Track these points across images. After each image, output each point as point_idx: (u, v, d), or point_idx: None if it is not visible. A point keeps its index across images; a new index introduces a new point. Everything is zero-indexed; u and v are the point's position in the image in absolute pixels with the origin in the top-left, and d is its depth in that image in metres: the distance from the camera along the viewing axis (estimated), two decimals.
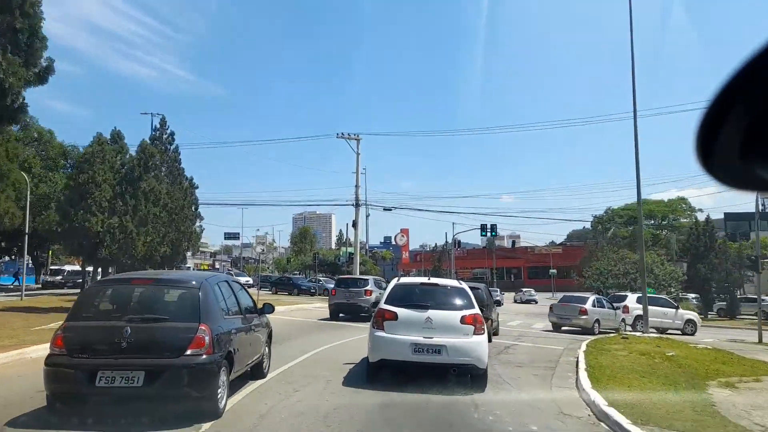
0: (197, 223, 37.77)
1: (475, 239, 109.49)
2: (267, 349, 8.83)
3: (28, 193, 26.87)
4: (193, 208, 33.84)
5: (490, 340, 13.49)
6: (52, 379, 5.81)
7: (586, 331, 20.29)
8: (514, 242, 73.35)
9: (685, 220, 64.23)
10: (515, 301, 53.63)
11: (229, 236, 74.16)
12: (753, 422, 6.63)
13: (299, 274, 64.24)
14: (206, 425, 5.75)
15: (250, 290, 11.21)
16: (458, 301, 8.75)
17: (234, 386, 7.18)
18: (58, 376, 5.80)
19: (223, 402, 6.27)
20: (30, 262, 53.04)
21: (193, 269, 67.02)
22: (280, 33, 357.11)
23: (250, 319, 7.89)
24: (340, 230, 79.31)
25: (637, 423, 6.23)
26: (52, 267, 49.53)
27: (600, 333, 20.40)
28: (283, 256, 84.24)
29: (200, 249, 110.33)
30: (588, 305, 20.43)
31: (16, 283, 41.27)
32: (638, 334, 18.93)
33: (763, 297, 43.18)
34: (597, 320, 20.42)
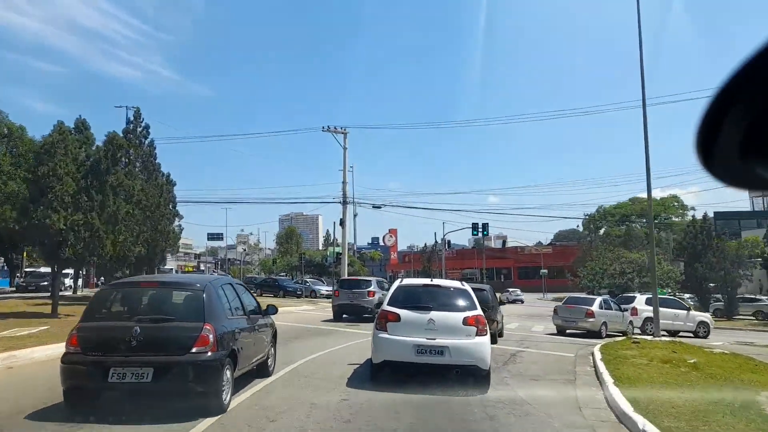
0: (176, 222, 35.96)
1: (462, 240, 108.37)
2: (272, 348, 9.19)
3: None
4: (170, 206, 32.04)
5: (495, 342, 13.39)
6: (68, 375, 6.20)
7: (592, 334, 18.88)
8: (504, 242, 72.05)
9: (677, 219, 63.44)
10: (501, 302, 52.14)
11: (212, 237, 72.01)
12: None
13: (285, 275, 62.42)
14: (211, 420, 5.98)
15: None
16: (461, 303, 8.73)
17: (240, 384, 7.54)
18: (74, 372, 6.19)
19: (228, 398, 6.57)
20: (4, 264, 50.75)
21: (176, 272, 64.92)
22: (268, 31, 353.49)
23: (254, 319, 8.20)
24: (327, 230, 77.44)
25: None
26: (28, 269, 47.31)
27: (607, 336, 19.00)
28: (270, 258, 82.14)
29: (184, 250, 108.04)
30: (595, 307, 19.01)
31: None
32: (649, 337, 17.56)
33: (760, 297, 42.51)
34: (604, 323, 19.02)
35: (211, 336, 6.27)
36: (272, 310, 9.03)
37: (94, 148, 21.30)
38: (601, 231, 63.88)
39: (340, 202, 33.33)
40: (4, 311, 19.37)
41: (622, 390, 8.12)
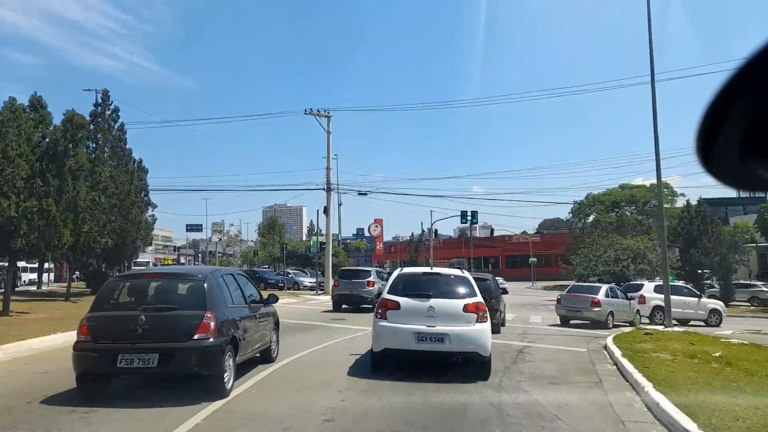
0: (149, 212, 34.01)
1: (447, 230, 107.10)
2: (275, 336, 9.45)
3: None
4: (142, 194, 30.08)
5: (498, 332, 13.60)
6: (79, 362, 6.50)
7: (597, 324, 17.53)
8: (492, 230, 70.81)
9: (666, 206, 62.56)
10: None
11: (191, 228, 69.65)
12: None
13: (268, 267, 60.56)
14: (216, 403, 6.27)
15: None
16: (461, 290, 8.67)
17: (244, 370, 7.89)
18: (85, 359, 6.48)
19: (230, 383, 6.86)
20: None
21: (153, 265, 62.67)
22: (251, 20, 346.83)
23: (256, 308, 8.44)
24: (311, 221, 75.31)
25: None
26: None
27: (614, 327, 17.67)
28: (252, 249, 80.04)
29: (163, 243, 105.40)
30: (601, 295, 17.64)
31: None
32: (660, 327, 16.24)
33: (755, 282, 41.77)
34: (611, 312, 17.67)
35: (212, 323, 6.57)
36: (273, 299, 9.41)
37: (51, 128, 19.39)
38: (590, 218, 62.72)
39: (323, 189, 31.69)
40: None
41: (666, 395, 6.68)
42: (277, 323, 9.71)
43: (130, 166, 28.42)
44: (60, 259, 27.71)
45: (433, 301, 8.34)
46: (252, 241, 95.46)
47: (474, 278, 9.56)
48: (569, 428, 5.68)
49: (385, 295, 8.67)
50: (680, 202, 60.40)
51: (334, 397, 6.80)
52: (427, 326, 8.13)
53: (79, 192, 18.97)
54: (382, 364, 8.40)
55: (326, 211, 32.03)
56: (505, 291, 18.06)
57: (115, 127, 29.20)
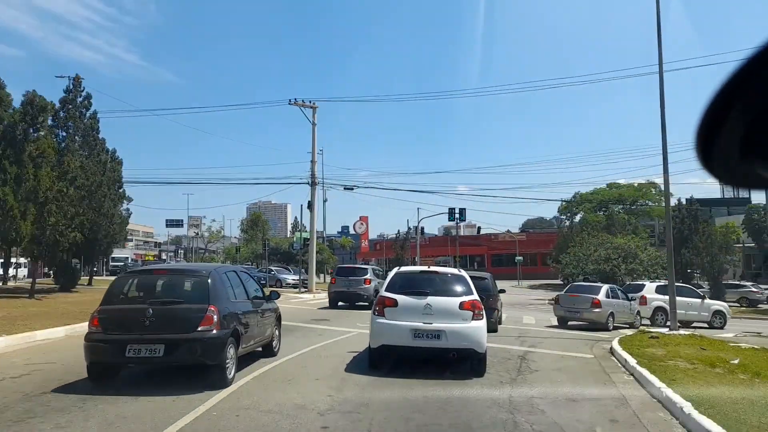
0: (124, 205, 32.43)
1: (432, 228, 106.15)
2: (277, 331, 9.76)
3: None
4: (116, 186, 28.54)
5: (495, 330, 13.96)
6: (91, 351, 6.91)
7: (597, 326, 16.53)
8: (479, 229, 69.95)
9: (653, 204, 62.24)
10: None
11: (171, 223, 67.73)
12: None
13: (251, 264, 59.03)
14: (220, 392, 6.59)
15: None
16: (457, 288, 8.80)
17: (247, 362, 8.33)
18: (96, 349, 6.90)
19: (233, 373, 7.24)
20: None
21: (131, 261, 60.79)
22: (237, 12, 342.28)
23: (258, 304, 8.80)
24: (296, 217, 73.39)
25: None
26: None
27: (614, 329, 16.69)
28: (234, 246, 78.25)
29: (144, 239, 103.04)
30: (601, 296, 16.63)
31: None
32: (664, 330, 15.28)
33: (744, 283, 41.31)
34: (611, 314, 16.68)
35: (215, 316, 6.92)
36: (275, 295, 9.79)
37: (11, 111, 17.88)
38: (578, 217, 62.14)
39: (308, 183, 30.34)
40: None
41: (714, 419, 5.60)
42: (278, 319, 10.01)
43: (103, 156, 26.85)
44: (23, 253, 26.05)
45: (430, 299, 8.45)
46: (235, 237, 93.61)
47: (472, 277, 9.79)
48: None
49: (383, 293, 8.79)
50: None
51: (334, 386, 7.18)
52: (424, 323, 8.24)
53: (41, 181, 17.50)
54: (379, 360, 8.45)
55: (310, 206, 30.74)
56: (502, 290, 17.19)
57: (87, 115, 27.54)
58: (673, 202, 55.42)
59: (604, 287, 17.40)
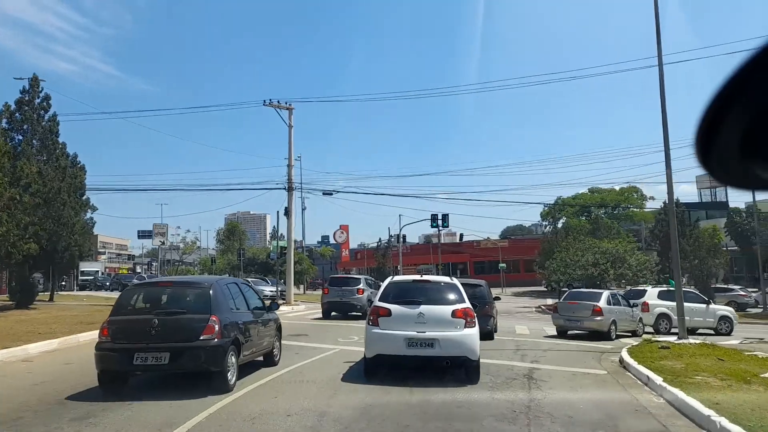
0: (88, 214, 30.52)
1: (412, 237, 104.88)
2: (277, 341, 10.05)
3: None
4: (77, 194, 26.66)
5: (491, 338, 14.28)
6: (100, 360, 7.28)
7: (599, 335, 15.33)
8: (461, 236, 68.91)
9: (636, 210, 61.96)
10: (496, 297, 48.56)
11: (143, 234, 65.33)
12: None
13: (228, 275, 57.05)
14: (221, 397, 6.93)
15: None
16: (450, 296, 8.87)
17: (248, 372, 8.57)
18: (105, 357, 7.26)
19: (233, 380, 7.56)
20: None
21: (101, 274, 58.28)
22: (216, 22, 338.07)
23: (258, 314, 9.19)
24: (273, 226, 71.20)
25: None
26: None
27: (617, 338, 15.51)
28: (210, 257, 75.91)
29: (118, 251, 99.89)
30: (602, 303, 15.43)
31: None
32: (673, 339, 14.12)
33: (732, 287, 40.78)
34: (614, 321, 15.49)
35: (216, 326, 7.34)
36: (275, 306, 10.17)
37: None
38: (560, 223, 61.50)
39: (284, 189, 28.84)
40: None
41: None
42: (279, 329, 10.25)
43: (63, 161, 25.01)
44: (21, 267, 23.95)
45: (423, 308, 8.49)
46: (213, 249, 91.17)
47: (468, 284, 10.15)
48: None
49: (377, 303, 8.83)
50: (650, 206, 60.02)
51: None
52: (417, 332, 8.27)
53: None
54: (374, 369, 8.49)
55: (287, 212, 29.19)
56: (497, 298, 16.18)
57: (46, 117, 25.73)
58: (658, 204, 55.32)
59: (605, 293, 16.22)
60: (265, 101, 27.94)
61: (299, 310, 26.58)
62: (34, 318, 18.76)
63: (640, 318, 17.16)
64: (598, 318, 15.13)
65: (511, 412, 6.47)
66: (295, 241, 53.53)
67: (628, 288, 25.39)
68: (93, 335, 14.23)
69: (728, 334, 18.31)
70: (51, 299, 28.12)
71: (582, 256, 35.39)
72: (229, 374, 7.36)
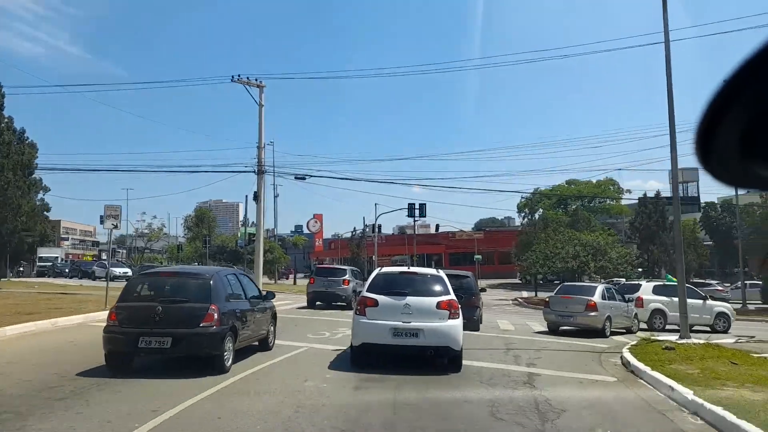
0: (40, 195, 28.29)
1: (387, 228, 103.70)
2: (272, 327, 10.70)
3: None
4: (26, 172, 24.47)
5: (477, 329, 14.32)
6: (108, 342, 7.90)
7: (593, 332, 14.15)
8: (437, 227, 67.72)
9: (612, 202, 61.63)
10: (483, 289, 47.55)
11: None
12: None
13: (197, 263, 54.82)
14: (218, 378, 7.45)
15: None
16: (435, 288, 9.12)
17: (244, 356, 9.13)
18: (113, 340, 7.89)
19: (230, 363, 8.14)
20: None
21: (62, 260, 55.49)
22: (191, 5, 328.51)
23: (255, 303, 9.81)
24: (245, 214, 68.66)
25: None
26: None
27: (611, 335, 14.35)
28: (178, 245, 73.24)
29: (82, 237, 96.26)
30: (596, 297, 14.25)
31: None
32: (673, 337, 13.02)
33: (710, 282, 40.49)
34: (608, 317, 14.34)
35: (215, 314, 7.90)
36: (270, 295, 10.74)
37: None
38: (536, 215, 60.82)
39: (253, 172, 27.07)
40: None
41: None
42: (274, 316, 10.85)
43: (8, 136, 22.79)
44: None
45: (409, 299, 8.74)
46: (182, 237, 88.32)
47: (455, 276, 10.43)
48: None
49: (365, 293, 9.07)
50: (626, 200, 59.73)
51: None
52: (403, 322, 8.51)
53: None
54: (360, 358, 8.68)
55: (257, 197, 27.40)
56: (483, 290, 17.45)
57: None
58: (635, 197, 54.92)
59: (600, 287, 15.06)
60: (233, 77, 26.02)
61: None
62: None
63: (636, 314, 16.07)
64: (593, 314, 13.94)
65: None
66: (267, 230, 51.62)
67: (615, 281, 24.40)
68: (24, 328, 12.47)
69: (725, 331, 17.37)
70: None
71: (562, 248, 34.48)
72: (225, 357, 7.90)
